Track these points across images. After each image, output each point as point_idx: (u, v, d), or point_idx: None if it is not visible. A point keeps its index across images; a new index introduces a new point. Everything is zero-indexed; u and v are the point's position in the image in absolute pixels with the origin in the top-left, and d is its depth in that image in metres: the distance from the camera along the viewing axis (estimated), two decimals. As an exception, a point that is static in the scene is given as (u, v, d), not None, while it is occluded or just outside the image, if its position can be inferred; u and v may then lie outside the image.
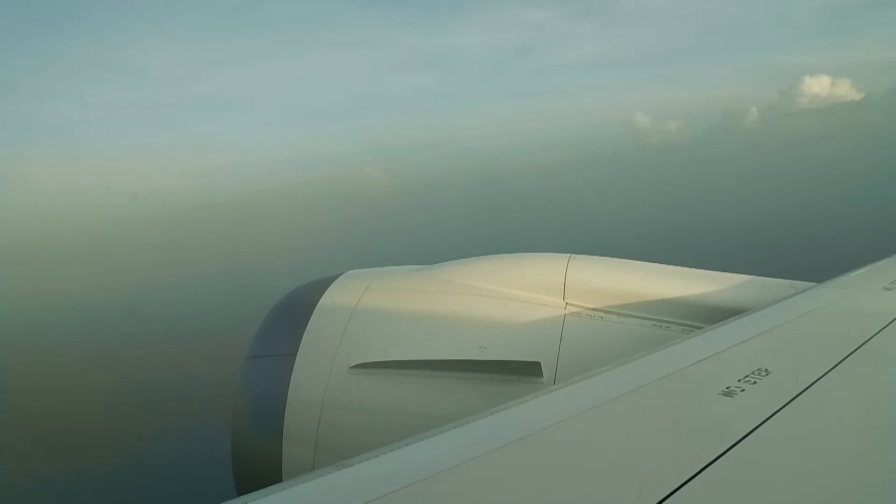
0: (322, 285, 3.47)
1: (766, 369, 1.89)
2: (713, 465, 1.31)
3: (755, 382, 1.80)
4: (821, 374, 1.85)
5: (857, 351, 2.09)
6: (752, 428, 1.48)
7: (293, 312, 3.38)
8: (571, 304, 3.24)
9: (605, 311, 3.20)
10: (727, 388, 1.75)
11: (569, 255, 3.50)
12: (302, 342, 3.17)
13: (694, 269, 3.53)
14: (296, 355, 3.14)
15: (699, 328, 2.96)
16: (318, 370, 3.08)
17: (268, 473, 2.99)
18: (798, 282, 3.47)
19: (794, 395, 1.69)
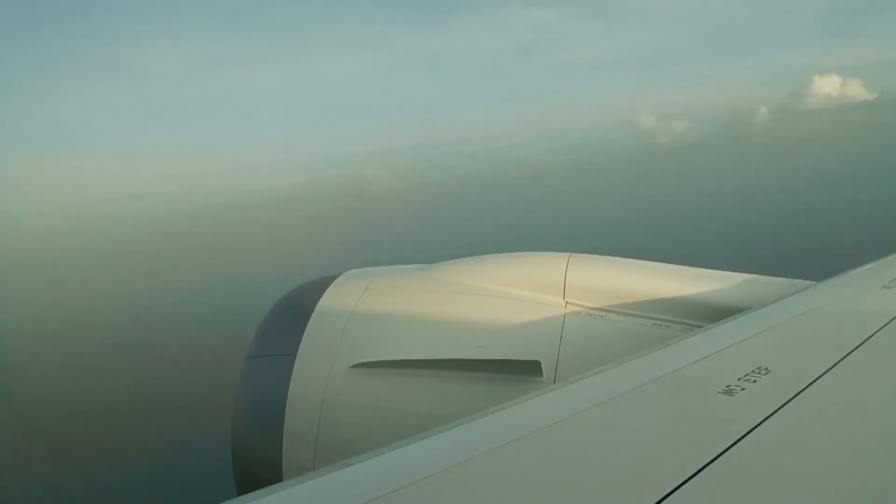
0: (322, 285, 3.48)
1: (766, 368, 1.89)
2: (713, 463, 1.31)
3: (755, 381, 1.79)
4: (821, 373, 1.85)
5: (857, 349, 2.09)
6: (752, 426, 1.48)
7: (293, 312, 3.38)
8: (571, 303, 3.24)
9: (605, 310, 3.20)
10: (727, 386, 1.75)
11: (569, 253, 3.51)
12: (302, 342, 3.18)
13: (694, 268, 3.53)
14: (296, 355, 3.14)
15: (699, 327, 2.96)
16: (318, 370, 3.09)
17: (268, 473, 3.00)
18: (798, 280, 3.47)
19: (794, 393, 1.69)
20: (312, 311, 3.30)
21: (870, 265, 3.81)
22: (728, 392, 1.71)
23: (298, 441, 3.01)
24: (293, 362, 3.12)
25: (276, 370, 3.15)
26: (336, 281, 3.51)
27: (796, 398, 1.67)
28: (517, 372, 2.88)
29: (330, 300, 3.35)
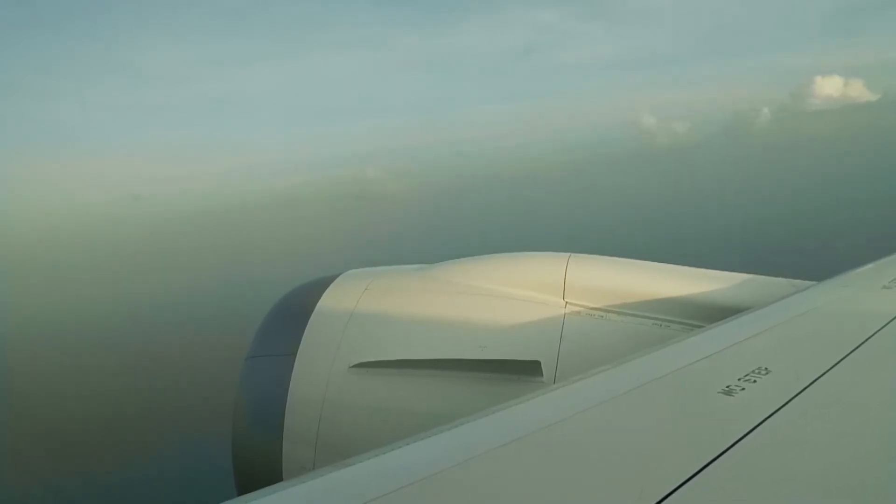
0: (322, 285, 3.48)
1: (767, 368, 1.89)
2: (713, 464, 1.31)
3: (755, 381, 1.79)
4: (821, 373, 1.85)
5: (857, 350, 2.09)
6: (752, 427, 1.48)
7: (293, 312, 3.38)
8: (571, 303, 3.23)
9: (605, 310, 3.20)
10: (727, 386, 1.75)
11: (569, 253, 3.51)
12: (302, 342, 3.18)
13: (694, 268, 3.53)
14: (296, 355, 3.14)
15: (699, 327, 2.96)
16: (319, 370, 3.08)
17: (268, 473, 3.00)
18: (798, 280, 3.47)
19: (794, 393, 1.69)
20: (312, 310, 3.30)
21: (870, 265, 3.81)
22: (728, 392, 1.71)
23: (298, 441, 3.01)
24: (293, 362, 3.12)
25: (276, 370, 3.15)
26: (336, 281, 3.51)
27: (796, 398, 1.66)
28: (517, 372, 2.88)
29: (330, 300, 3.35)
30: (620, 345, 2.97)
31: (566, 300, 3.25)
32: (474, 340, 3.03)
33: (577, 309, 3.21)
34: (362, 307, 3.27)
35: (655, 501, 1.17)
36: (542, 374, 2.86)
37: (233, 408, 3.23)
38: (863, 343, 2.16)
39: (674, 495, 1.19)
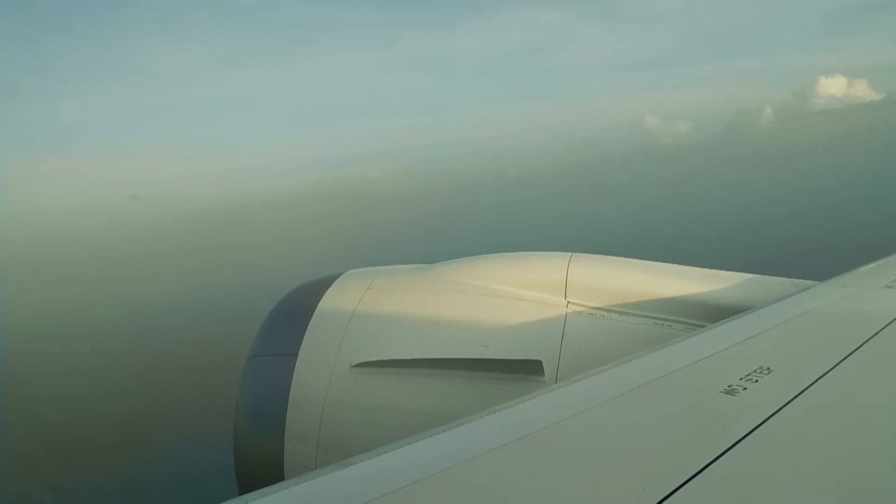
0: (323, 284, 3.48)
1: (768, 367, 1.89)
2: (715, 463, 1.31)
3: (757, 381, 1.79)
4: (822, 373, 1.85)
5: (859, 349, 2.09)
6: (753, 426, 1.48)
7: (295, 312, 3.39)
8: (573, 303, 3.23)
9: (606, 310, 3.20)
10: (729, 386, 1.75)
11: (570, 253, 3.51)
12: (303, 341, 3.18)
13: (696, 268, 3.53)
14: (297, 354, 3.14)
15: (701, 326, 2.95)
16: (320, 369, 3.09)
17: (270, 472, 3.00)
18: (800, 280, 3.47)
19: (796, 393, 1.69)
20: (314, 310, 3.30)
21: (872, 265, 3.81)
22: (730, 392, 1.71)
23: (300, 440, 3.02)
24: (295, 362, 3.13)
25: (278, 370, 3.16)
26: (337, 280, 3.52)
27: (798, 398, 1.67)
28: (519, 371, 2.88)
29: (331, 300, 3.36)
30: (622, 344, 2.96)
31: (568, 300, 3.25)
32: (476, 340, 3.03)
33: (578, 308, 3.21)
34: (364, 307, 3.28)
35: (657, 501, 1.17)
36: (543, 374, 2.86)
37: (235, 407, 3.23)
38: (864, 343, 2.16)
39: (675, 495, 1.19)
